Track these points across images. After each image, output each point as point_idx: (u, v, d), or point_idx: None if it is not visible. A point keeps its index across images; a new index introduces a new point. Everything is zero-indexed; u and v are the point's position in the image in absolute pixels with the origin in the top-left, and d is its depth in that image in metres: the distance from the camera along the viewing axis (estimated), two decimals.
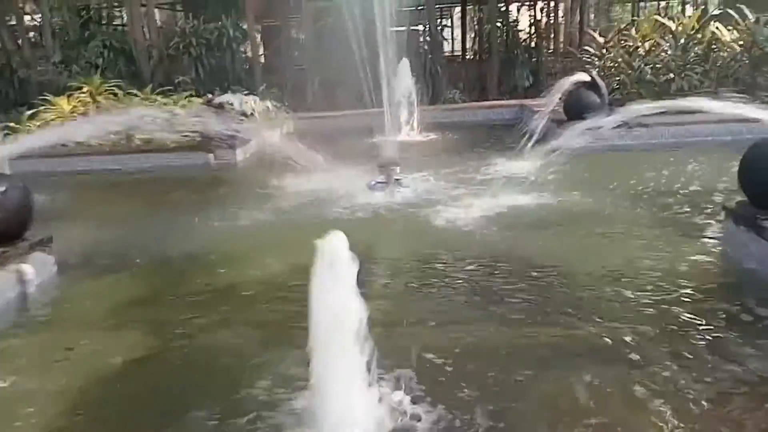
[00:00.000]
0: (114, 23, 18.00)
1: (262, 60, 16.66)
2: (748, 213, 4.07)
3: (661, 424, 2.48)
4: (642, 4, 19.46)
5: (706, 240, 4.58)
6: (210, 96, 9.80)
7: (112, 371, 3.18)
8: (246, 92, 12.44)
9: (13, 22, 16.61)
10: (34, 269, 4.24)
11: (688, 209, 5.42)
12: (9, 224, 4.27)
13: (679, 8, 17.74)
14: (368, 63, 10.59)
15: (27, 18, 17.72)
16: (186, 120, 8.45)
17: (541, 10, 17.34)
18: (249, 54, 16.00)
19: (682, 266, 4.07)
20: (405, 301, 3.88)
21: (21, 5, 16.86)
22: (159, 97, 11.55)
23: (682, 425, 2.47)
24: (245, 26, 15.69)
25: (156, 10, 17.34)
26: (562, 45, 18.96)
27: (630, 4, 18.20)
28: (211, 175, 8.39)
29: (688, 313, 3.41)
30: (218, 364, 3.21)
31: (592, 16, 20.58)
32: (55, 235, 4.71)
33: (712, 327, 3.25)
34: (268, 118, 10.61)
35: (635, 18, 13.57)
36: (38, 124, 10.26)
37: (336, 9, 11.83)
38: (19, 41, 15.90)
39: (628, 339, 3.16)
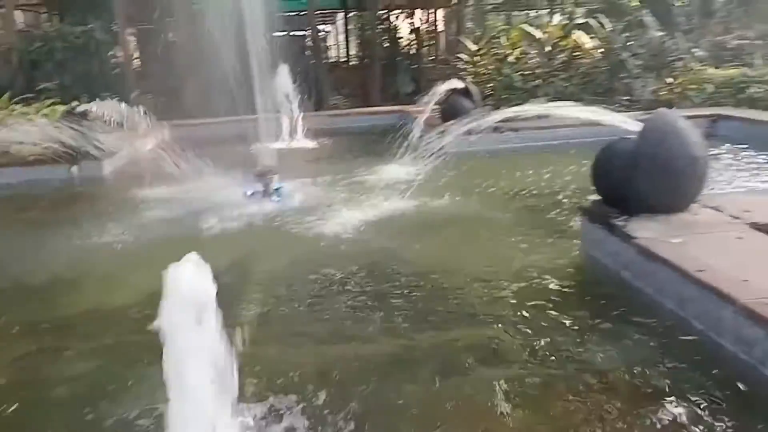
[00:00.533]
0: None
1: (135, 65, 15.82)
2: (601, 211, 4.32)
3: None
4: (515, 12, 20.45)
5: (567, 238, 4.81)
6: (75, 104, 9.15)
7: None
8: (117, 99, 11.79)
9: None
10: None
11: (552, 209, 5.68)
12: None
13: (549, 18, 18.75)
14: (246, 68, 10.34)
15: None
16: (46, 130, 7.86)
17: (420, 18, 17.73)
18: (120, 59, 15.17)
19: (545, 265, 4.24)
20: (275, 318, 3.77)
21: None
22: (18, 106, 10.68)
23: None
24: (116, 29, 14.90)
25: (19, 12, 16.08)
26: (441, 52, 19.53)
27: (503, 13, 18.99)
28: (74, 190, 7.80)
29: (547, 309, 3.56)
30: (76, 395, 2.95)
31: (468, 24, 21.42)
32: None
33: (567, 319, 3.41)
34: (140, 127, 10.07)
35: (507, 26, 14.17)
36: None
37: (213, 13, 11.47)
38: None
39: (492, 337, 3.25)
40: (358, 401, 2.72)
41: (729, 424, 2.46)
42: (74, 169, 8.12)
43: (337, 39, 24.18)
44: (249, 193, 6.55)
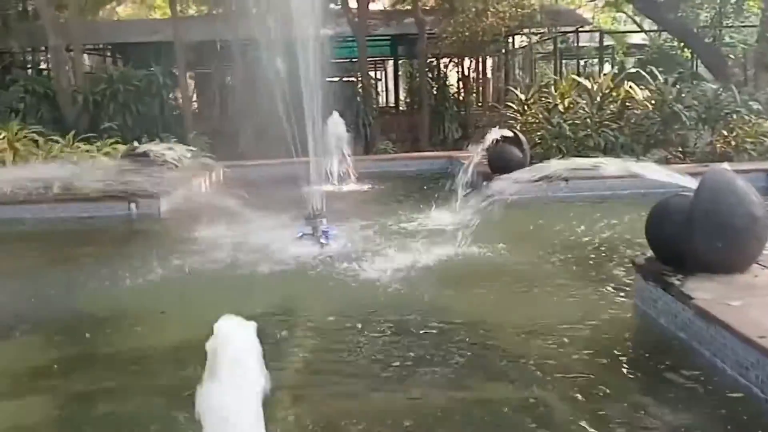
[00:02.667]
0: (39, 68, 17.52)
1: (193, 107, 16.44)
2: (655, 269, 4.24)
3: None
4: (564, 61, 20.56)
5: (620, 294, 4.72)
6: (135, 144, 9.56)
7: None
8: (174, 140, 12.27)
9: None
10: None
11: (603, 262, 5.61)
12: None
13: (599, 68, 18.79)
14: (299, 112, 10.65)
15: None
16: (108, 168, 8.22)
17: (468, 67, 18.00)
18: (179, 101, 15.83)
19: (597, 321, 4.17)
20: (319, 365, 3.80)
21: None
22: (82, 144, 11.21)
23: None
24: (176, 72, 15.59)
25: (85, 56, 17.01)
26: (490, 99, 19.72)
27: (553, 62, 19.11)
28: (131, 227, 8.10)
29: (600, 370, 3.48)
30: None
31: (518, 71, 21.60)
32: None
33: (622, 382, 3.33)
34: (196, 167, 10.44)
35: (555, 78, 14.22)
36: None
37: (269, 59, 11.91)
38: None
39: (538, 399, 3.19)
40: None
41: None
42: (132, 206, 8.42)
43: (387, 85, 24.70)
44: (299, 235, 6.67)
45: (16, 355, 4.09)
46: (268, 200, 7.65)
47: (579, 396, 3.22)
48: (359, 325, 4.30)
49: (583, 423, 2.93)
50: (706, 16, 15.90)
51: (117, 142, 11.47)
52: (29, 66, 17.29)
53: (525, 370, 3.56)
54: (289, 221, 7.07)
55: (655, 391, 3.25)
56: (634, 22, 23.00)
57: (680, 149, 10.21)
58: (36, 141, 10.99)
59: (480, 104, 19.55)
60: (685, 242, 3.97)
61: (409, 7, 16.58)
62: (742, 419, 2.97)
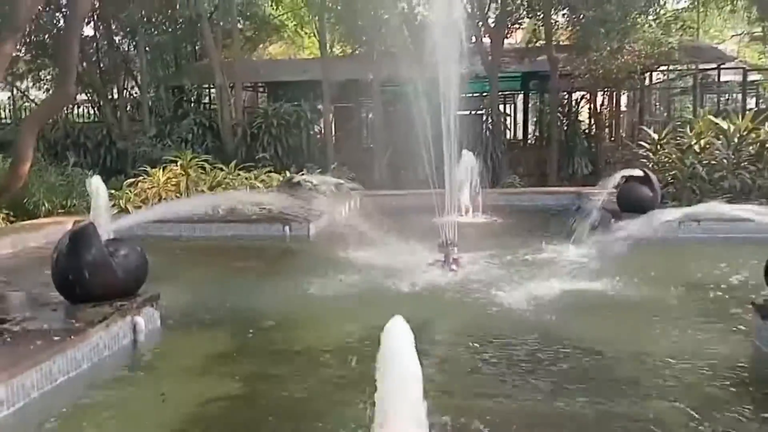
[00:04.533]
0: (203, 101, 19.82)
1: (334, 140, 17.79)
2: None
3: None
4: (707, 95, 19.84)
5: (740, 333, 4.94)
6: (292, 174, 10.81)
7: (200, 411, 3.86)
8: (319, 170, 13.55)
9: (115, 96, 18.60)
10: (144, 322, 5.03)
11: (726, 302, 5.78)
12: (128, 282, 5.11)
13: (739, 102, 18.05)
14: (433, 146, 11.44)
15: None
16: (269, 195, 9.43)
17: (601, 103, 17.99)
18: (322, 134, 17.30)
19: (717, 358, 4.44)
20: (458, 376, 4.42)
21: (123, 81, 18.85)
22: (242, 172, 12.73)
23: None
24: (320, 107, 17.08)
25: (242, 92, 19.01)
26: (623, 135, 19.48)
27: (692, 98, 18.59)
28: (286, 246, 9.24)
29: (716, 405, 3.81)
30: (291, 410, 3.83)
31: (655, 107, 21.13)
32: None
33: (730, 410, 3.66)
34: (339, 195, 11.53)
35: (691, 117, 13.99)
36: (136, 191, 11.52)
37: (405, 94, 12.86)
38: (118, 115, 17.74)
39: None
40: None
41: None
42: (287, 228, 9.58)
43: (515, 118, 25.05)
44: (432, 261, 7.37)
45: (209, 343, 5.08)
46: (402, 227, 8.40)
47: (690, 413, 3.59)
48: (482, 342, 4.89)
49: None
50: None
51: (270, 171, 12.92)
52: (196, 101, 19.60)
53: (638, 389, 3.98)
54: (421, 248, 7.78)
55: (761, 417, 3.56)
56: None
57: None
58: (204, 168, 12.65)
59: (612, 140, 19.39)
60: None
61: (542, 43, 16.98)
62: None
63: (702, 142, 10.71)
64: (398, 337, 2.76)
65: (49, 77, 18.84)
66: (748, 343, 4.76)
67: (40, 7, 11.68)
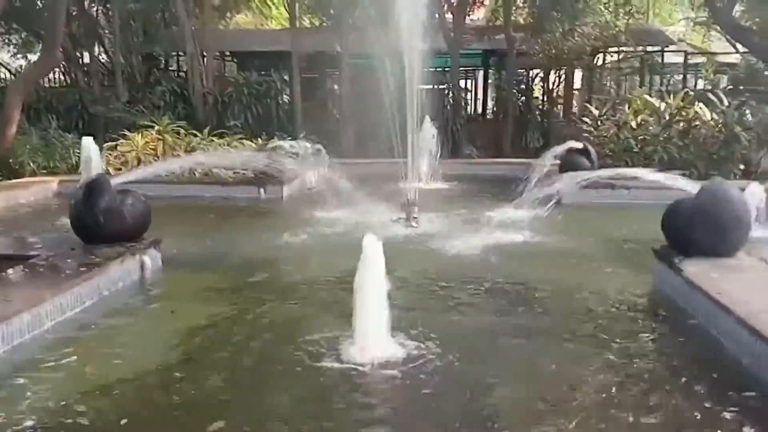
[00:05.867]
0: (173, 69, 20.22)
1: (302, 110, 18.50)
2: (667, 254, 5.62)
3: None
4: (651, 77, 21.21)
5: (642, 271, 6.11)
6: (267, 140, 11.62)
7: (204, 324, 4.82)
8: (289, 138, 14.33)
9: (86, 61, 18.87)
10: (150, 260, 5.91)
11: (640, 251, 6.97)
12: (135, 227, 5.97)
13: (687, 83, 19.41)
14: (397, 117, 12.36)
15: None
16: (243, 159, 10.28)
17: (553, 81, 19.14)
18: (291, 105, 18.00)
19: (623, 290, 5.59)
20: (420, 300, 5.47)
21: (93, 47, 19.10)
22: (215, 138, 13.45)
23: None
24: (289, 78, 17.76)
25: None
26: (575, 111, 20.74)
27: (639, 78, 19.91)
28: (261, 207, 10.12)
29: (621, 317, 4.96)
30: (282, 325, 4.83)
31: (606, 85, 22.43)
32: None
33: (625, 321, 4.81)
34: (309, 161, 12.38)
35: (630, 96, 15.21)
36: (115, 154, 12.16)
37: (371, 66, 13.69)
38: (90, 81, 18.08)
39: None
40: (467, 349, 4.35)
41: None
42: (262, 191, 10.44)
43: (476, 94, 26.11)
44: (395, 218, 8.39)
45: (206, 278, 6.00)
46: (368, 191, 9.34)
47: (596, 329, 4.73)
48: (438, 279, 5.95)
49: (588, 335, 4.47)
50: None
51: (241, 139, 13.66)
52: (165, 68, 19.97)
53: (557, 312, 5.10)
54: (385, 208, 8.78)
55: (646, 325, 4.71)
56: (728, 41, 23.29)
57: (742, 167, 11.17)
58: (179, 134, 13.32)
59: (565, 116, 20.61)
60: (687, 233, 5.35)
61: (501, 23, 17.96)
62: (693, 341, 4.41)
63: (639, 118, 11.92)
64: (372, 245, 3.81)
65: (20, 42, 18.96)
66: (648, 278, 5.93)
67: None
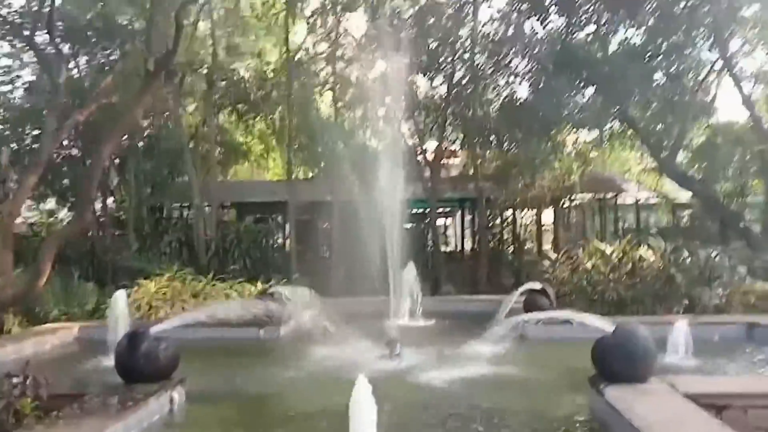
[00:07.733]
0: (176, 217, 22.14)
1: (296, 252, 20.23)
2: (597, 381, 7.02)
3: None
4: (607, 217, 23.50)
5: (584, 398, 7.46)
6: (265, 286, 13.14)
7: None
8: (284, 279, 15.87)
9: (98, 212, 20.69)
10: (177, 396, 7.19)
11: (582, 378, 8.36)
12: (167, 367, 7.30)
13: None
14: (381, 259, 13.98)
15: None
16: (251, 304, 11.74)
17: (520, 224, 21.26)
18: (285, 247, 19.79)
19: (568, 414, 6.93)
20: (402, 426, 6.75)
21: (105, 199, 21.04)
22: (218, 283, 14.95)
23: None
24: (285, 224, 19.66)
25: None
26: (546, 249, 22.69)
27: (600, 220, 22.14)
28: (262, 346, 11.43)
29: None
30: None
31: (571, 225, 24.63)
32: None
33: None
34: (303, 302, 13.82)
35: (583, 241, 17.10)
36: (129, 300, 13.53)
37: (359, 210, 15.48)
38: (101, 230, 19.82)
39: None
40: None
41: None
42: (261, 331, 11.79)
43: (455, 231, 28.28)
44: (380, 355, 9.74)
45: (223, 410, 7.25)
46: (356, 328, 10.74)
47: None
48: (418, 406, 7.25)
49: None
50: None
51: (242, 282, 15.17)
52: (167, 218, 21.84)
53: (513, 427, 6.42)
54: (373, 345, 10.14)
55: None
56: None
57: (686, 303, 12.78)
58: (185, 280, 14.82)
59: (538, 253, 22.52)
60: (609, 363, 6.80)
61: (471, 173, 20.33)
62: None
63: (591, 261, 13.68)
64: (363, 389, 5.18)
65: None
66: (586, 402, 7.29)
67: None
